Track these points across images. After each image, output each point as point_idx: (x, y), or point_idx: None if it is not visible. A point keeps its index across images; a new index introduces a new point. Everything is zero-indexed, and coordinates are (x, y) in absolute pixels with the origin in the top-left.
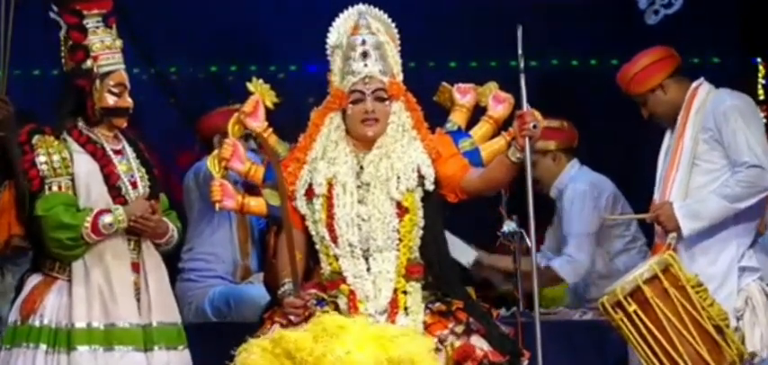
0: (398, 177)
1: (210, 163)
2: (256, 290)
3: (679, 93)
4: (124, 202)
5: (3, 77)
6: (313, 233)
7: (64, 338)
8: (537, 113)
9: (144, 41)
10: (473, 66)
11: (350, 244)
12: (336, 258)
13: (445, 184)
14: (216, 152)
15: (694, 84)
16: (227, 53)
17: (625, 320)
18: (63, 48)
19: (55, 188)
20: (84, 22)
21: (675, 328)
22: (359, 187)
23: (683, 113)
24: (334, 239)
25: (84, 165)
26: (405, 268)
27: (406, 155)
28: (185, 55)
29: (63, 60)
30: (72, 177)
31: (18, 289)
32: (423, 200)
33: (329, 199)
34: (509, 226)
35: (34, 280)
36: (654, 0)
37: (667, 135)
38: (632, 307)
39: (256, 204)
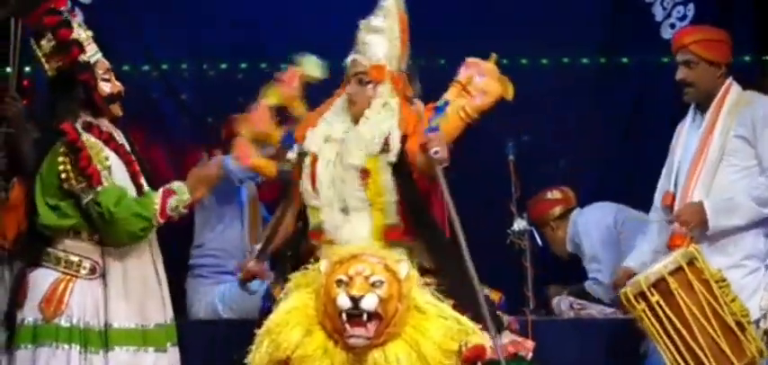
0: (362, 144)
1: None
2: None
3: (720, 83)
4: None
5: (13, 75)
6: (301, 187)
7: (96, 338)
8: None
9: (151, 38)
10: None
11: (328, 199)
12: (319, 210)
13: (410, 159)
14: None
15: (726, 83)
16: (236, 50)
17: (647, 311)
18: (38, 51)
19: (106, 183)
20: (65, 17)
21: (697, 321)
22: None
23: (714, 110)
24: (316, 192)
25: (114, 161)
26: (381, 231)
27: (375, 124)
28: (195, 52)
29: (46, 63)
30: (109, 169)
31: (16, 285)
32: (395, 167)
33: (316, 155)
34: (519, 224)
35: (48, 276)
36: (670, 14)
37: (684, 129)
38: (655, 298)
39: (268, 165)
